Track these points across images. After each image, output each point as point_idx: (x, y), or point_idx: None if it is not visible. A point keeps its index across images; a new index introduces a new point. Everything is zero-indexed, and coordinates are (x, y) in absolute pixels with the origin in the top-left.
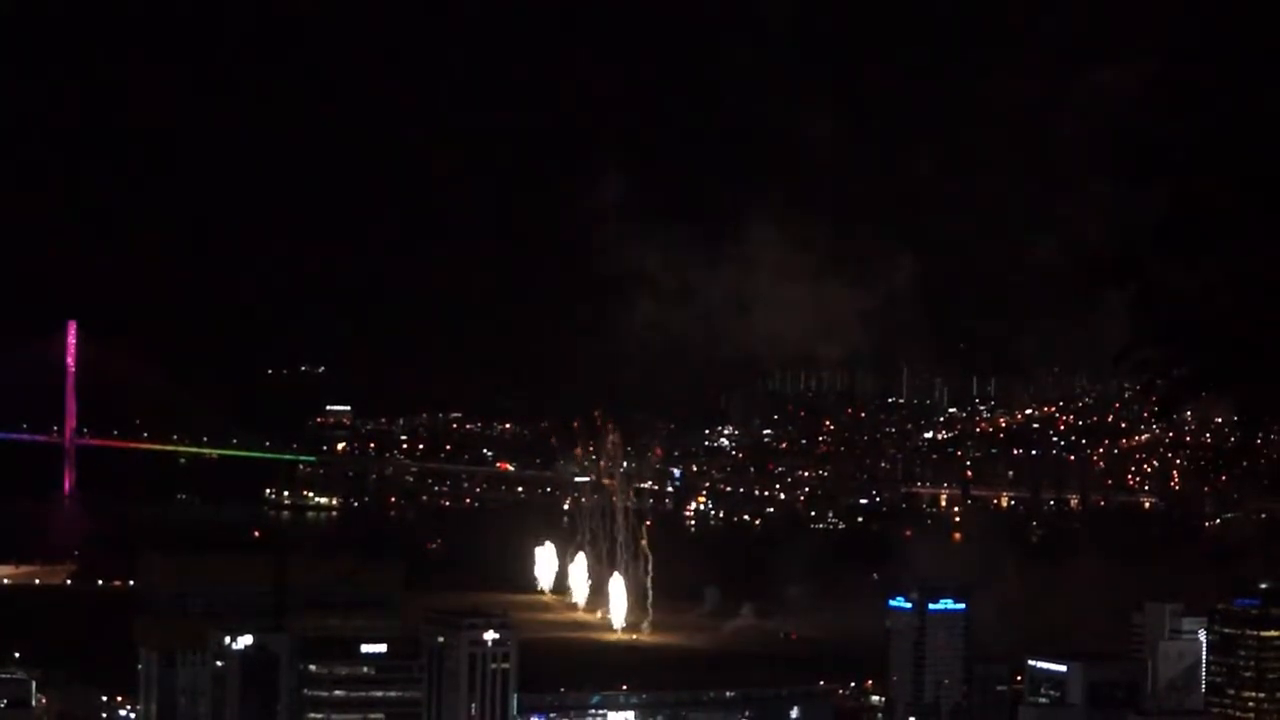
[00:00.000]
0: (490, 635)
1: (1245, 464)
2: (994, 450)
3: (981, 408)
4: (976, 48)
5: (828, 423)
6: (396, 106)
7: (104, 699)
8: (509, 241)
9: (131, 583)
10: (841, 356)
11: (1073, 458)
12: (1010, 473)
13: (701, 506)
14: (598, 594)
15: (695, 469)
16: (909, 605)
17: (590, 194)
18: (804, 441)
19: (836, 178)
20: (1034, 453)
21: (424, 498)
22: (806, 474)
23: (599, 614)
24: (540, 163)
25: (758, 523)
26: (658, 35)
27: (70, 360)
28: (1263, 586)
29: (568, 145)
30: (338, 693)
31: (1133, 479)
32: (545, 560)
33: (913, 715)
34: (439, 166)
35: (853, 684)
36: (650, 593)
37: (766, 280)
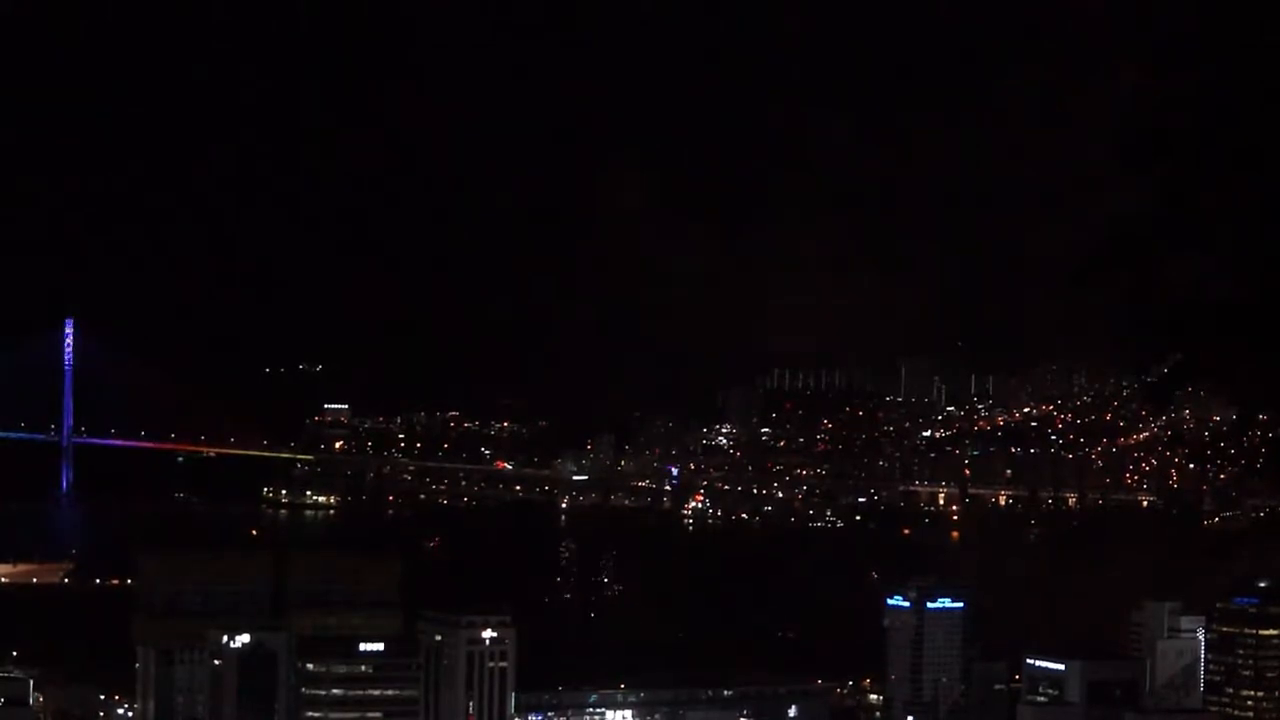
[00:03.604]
0: (488, 634)
1: (1243, 461)
2: (992, 449)
3: (980, 406)
4: (982, 43)
5: (826, 421)
6: (396, 104)
7: (101, 697)
8: (508, 240)
9: (129, 581)
10: (855, 356)
11: (1071, 456)
12: (1008, 471)
13: (699, 505)
14: None
15: (693, 467)
16: (907, 604)
17: (592, 191)
18: (802, 440)
19: (840, 176)
20: (1032, 451)
21: (422, 496)
22: (805, 472)
23: None
24: (541, 161)
25: (757, 519)
26: (662, 32)
27: (68, 358)
28: (1261, 585)
29: (570, 143)
30: (335, 691)
31: (1131, 477)
32: None
33: (911, 714)
34: (439, 164)
35: (850, 682)
36: None
37: (770, 279)
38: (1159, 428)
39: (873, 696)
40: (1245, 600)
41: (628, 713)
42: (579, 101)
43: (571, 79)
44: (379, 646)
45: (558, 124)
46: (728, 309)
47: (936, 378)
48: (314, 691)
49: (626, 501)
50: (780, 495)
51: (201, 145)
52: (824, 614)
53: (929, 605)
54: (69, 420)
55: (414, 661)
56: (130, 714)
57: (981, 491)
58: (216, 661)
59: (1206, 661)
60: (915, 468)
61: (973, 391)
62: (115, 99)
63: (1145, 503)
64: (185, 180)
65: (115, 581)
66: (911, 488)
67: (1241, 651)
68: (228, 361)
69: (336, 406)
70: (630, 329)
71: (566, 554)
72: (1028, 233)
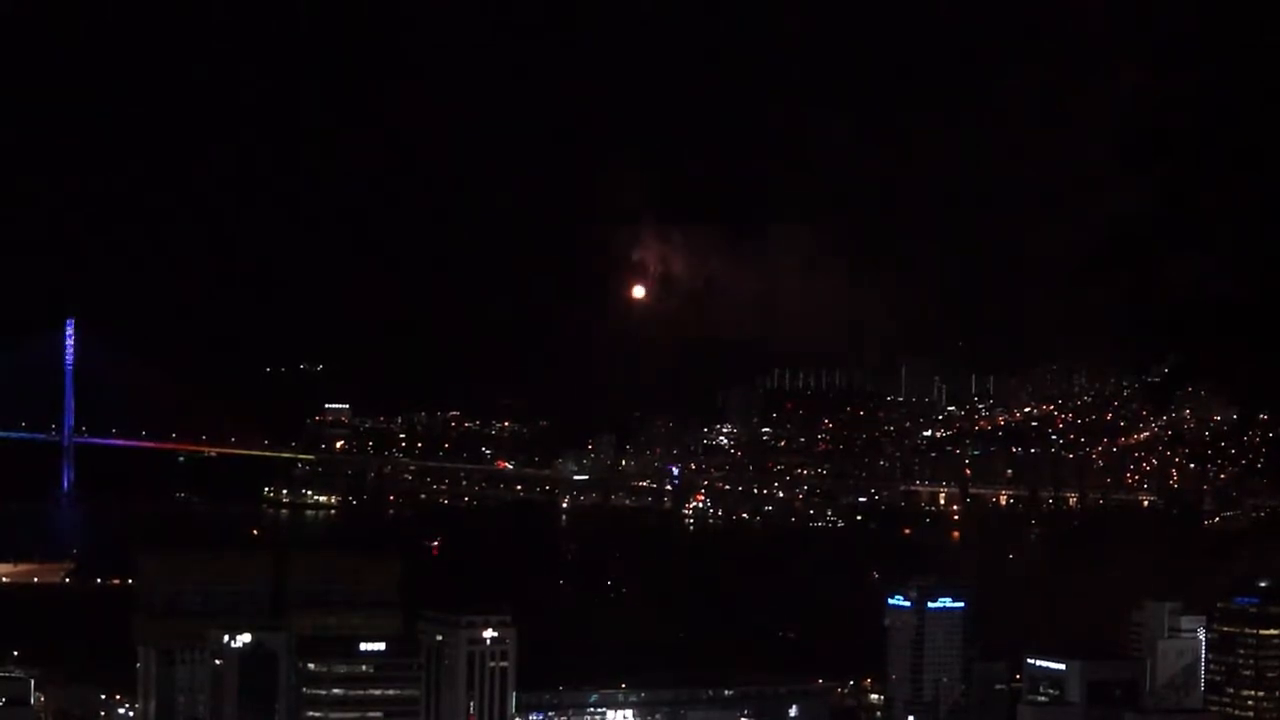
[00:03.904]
0: (489, 633)
1: (1244, 461)
2: (992, 449)
3: (980, 406)
4: (982, 43)
5: (826, 421)
6: (397, 103)
7: (102, 697)
8: (509, 240)
9: (130, 581)
10: (855, 356)
11: (1071, 456)
12: (1009, 471)
13: (700, 505)
14: None
15: (693, 467)
16: (908, 603)
17: (594, 191)
18: (803, 440)
19: (840, 176)
20: (1033, 451)
21: (423, 496)
22: (805, 472)
23: None
24: (542, 160)
25: (757, 519)
26: (663, 32)
27: (68, 358)
28: (1262, 585)
29: (573, 142)
30: (336, 691)
31: (1131, 477)
32: None
33: (911, 714)
34: (439, 165)
35: (851, 682)
36: None
37: (770, 278)
38: (1159, 428)
39: (873, 696)
40: (1245, 600)
41: (628, 713)
42: (579, 101)
43: (572, 79)
44: (380, 646)
45: (557, 124)
46: (727, 309)
47: (937, 378)
48: (314, 691)
49: (627, 501)
50: (781, 495)
51: (201, 145)
52: (824, 614)
53: (929, 605)
54: (69, 420)
55: (414, 661)
56: (131, 714)
57: (982, 491)
58: (217, 661)
59: (1207, 661)
60: (916, 468)
61: (973, 391)
62: (115, 99)
63: (1145, 503)
64: (185, 180)
65: (115, 581)
66: (912, 488)
67: (1242, 651)
68: (228, 361)
69: (337, 406)
70: (630, 329)
71: (567, 554)
72: (1028, 233)
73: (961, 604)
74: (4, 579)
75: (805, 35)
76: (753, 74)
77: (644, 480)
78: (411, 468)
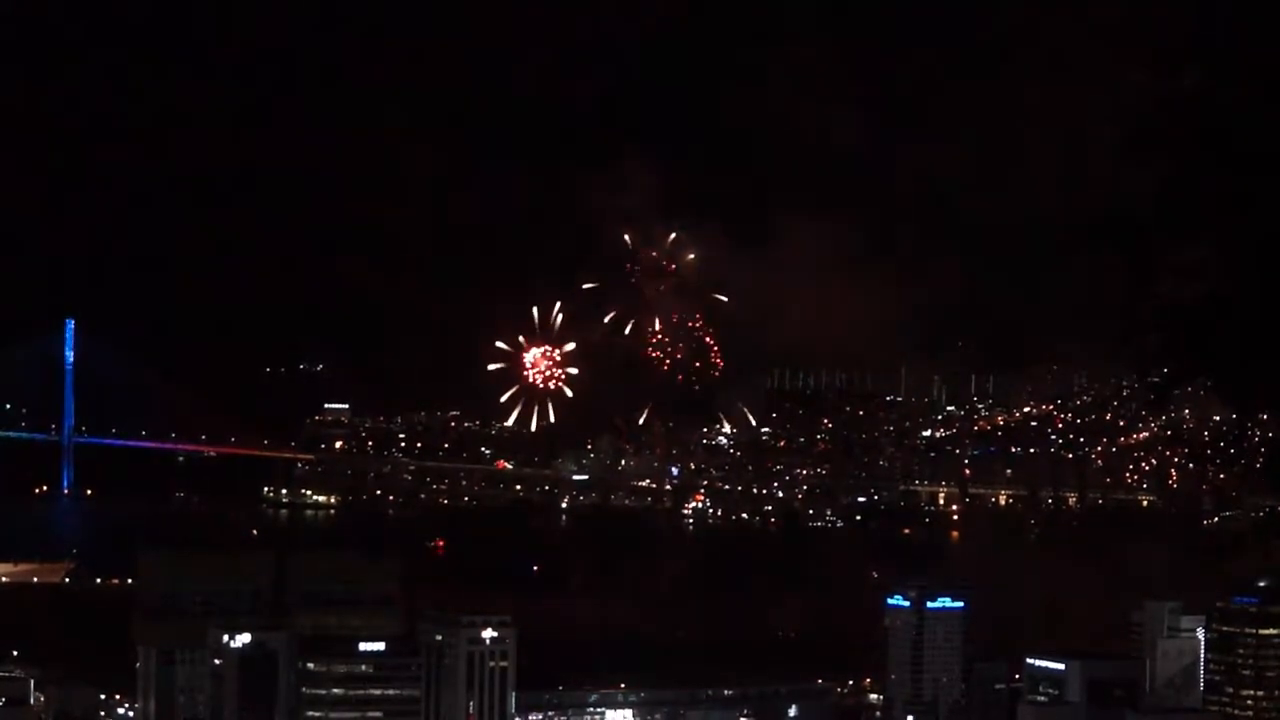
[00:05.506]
0: (489, 633)
1: (1243, 461)
2: (992, 448)
3: (980, 406)
4: (984, 41)
5: (826, 421)
6: (399, 101)
7: (102, 697)
8: (510, 240)
9: (129, 581)
10: (856, 356)
11: (1071, 456)
12: (1008, 471)
13: (700, 505)
14: None
15: (693, 467)
16: (907, 603)
17: (596, 191)
18: (802, 440)
19: (851, 172)
20: (1032, 451)
21: (422, 496)
22: (805, 472)
23: None
24: (544, 159)
25: (757, 519)
26: (673, 27)
27: (68, 358)
28: (1261, 584)
29: (578, 140)
30: (336, 691)
31: (1131, 477)
32: None
33: (911, 713)
34: (441, 163)
35: (851, 682)
36: None
37: (772, 279)
38: (1159, 427)
39: (873, 696)
40: (1245, 600)
41: (628, 713)
42: (581, 99)
43: (575, 77)
44: (380, 646)
45: (556, 123)
46: (729, 309)
47: (937, 377)
48: (315, 691)
49: (627, 501)
50: (780, 495)
51: (202, 146)
52: (824, 614)
53: (929, 605)
54: (69, 420)
55: (415, 661)
56: (131, 714)
57: (981, 491)
58: (217, 661)
59: (1207, 661)
60: (915, 468)
61: (973, 391)
62: (114, 97)
63: (1145, 503)
64: (185, 179)
65: (115, 581)
66: (912, 487)
67: (1242, 651)
68: (227, 361)
69: (336, 406)
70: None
71: (567, 554)
72: (1029, 231)
73: (961, 604)
74: (4, 579)
75: (809, 33)
76: (757, 72)
77: (643, 480)
78: (411, 468)
